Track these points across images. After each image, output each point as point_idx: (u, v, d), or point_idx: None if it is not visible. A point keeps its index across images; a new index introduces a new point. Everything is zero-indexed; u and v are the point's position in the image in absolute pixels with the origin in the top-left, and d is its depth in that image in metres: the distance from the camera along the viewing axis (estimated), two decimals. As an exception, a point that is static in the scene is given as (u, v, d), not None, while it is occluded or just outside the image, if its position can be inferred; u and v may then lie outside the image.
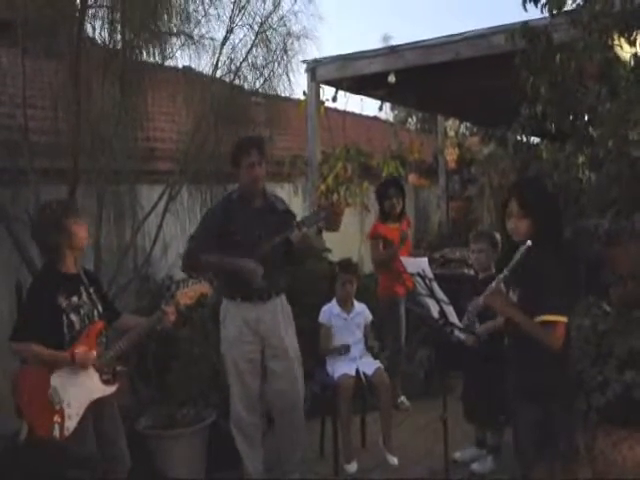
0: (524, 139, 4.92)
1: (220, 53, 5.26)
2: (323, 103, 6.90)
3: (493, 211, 9.02)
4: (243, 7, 5.26)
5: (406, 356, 5.96)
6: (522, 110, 4.38)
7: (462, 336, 4.00)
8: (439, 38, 6.16)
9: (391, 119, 15.99)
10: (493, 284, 3.15)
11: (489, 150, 9.69)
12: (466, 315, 3.44)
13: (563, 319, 2.97)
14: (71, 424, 3.20)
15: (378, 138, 8.54)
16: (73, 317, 3.29)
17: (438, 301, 3.61)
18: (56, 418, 3.17)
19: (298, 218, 4.13)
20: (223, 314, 4.10)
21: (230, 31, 5.27)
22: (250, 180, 4.01)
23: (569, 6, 4.14)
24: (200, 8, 4.97)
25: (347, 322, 4.80)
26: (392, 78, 6.34)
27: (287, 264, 4.08)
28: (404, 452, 4.68)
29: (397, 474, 4.47)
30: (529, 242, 3.04)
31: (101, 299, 3.48)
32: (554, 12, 4.10)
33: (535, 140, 5.58)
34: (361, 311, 4.89)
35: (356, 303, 4.90)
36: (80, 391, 3.25)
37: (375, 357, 4.96)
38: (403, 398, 5.75)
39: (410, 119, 18.25)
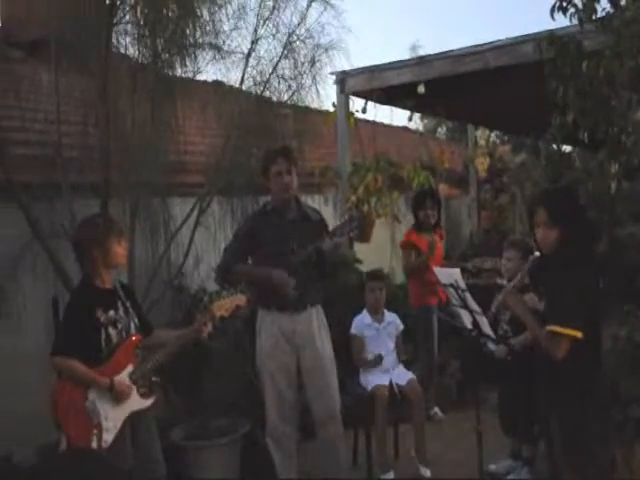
0: (556, 147, 4.88)
1: (246, 65, 5.30)
2: (353, 114, 6.91)
3: (525, 220, 8.94)
4: (267, 18, 5.30)
5: (439, 367, 5.92)
6: (553, 119, 4.35)
7: (493, 347, 3.99)
8: (467, 48, 6.15)
9: (421, 129, 15.99)
10: (510, 284, 3.18)
11: (521, 159, 9.62)
12: (489, 313, 3.43)
13: (570, 332, 2.91)
14: (109, 437, 3.23)
15: (408, 148, 8.53)
16: (111, 331, 3.34)
17: (471, 312, 3.59)
18: (94, 431, 3.22)
19: (329, 228, 4.14)
20: (259, 325, 4.12)
21: (255, 42, 5.30)
22: (279, 189, 4.03)
23: (598, 13, 4.10)
24: (227, 21, 5.02)
25: (379, 332, 4.80)
26: (422, 89, 6.33)
27: (320, 274, 4.08)
28: (437, 464, 4.66)
29: (431, 486, 4.45)
30: (537, 253, 3.05)
31: (137, 312, 3.53)
32: (583, 20, 4.06)
33: (567, 148, 5.53)
34: (392, 320, 4.89)
35: (387, 313, 4.90)
36: (117, 404, 3.29)
37: (407, 368, 4.94)
38: (436, 409, 5.72)
39: (439, 128, 18.24)
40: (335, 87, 6.84)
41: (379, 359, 4.69)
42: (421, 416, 4.68)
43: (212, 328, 3.51)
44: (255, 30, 5.27)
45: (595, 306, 3.08)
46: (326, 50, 5.46)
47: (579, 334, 2.91)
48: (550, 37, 4.34)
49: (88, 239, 3.36)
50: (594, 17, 4.08)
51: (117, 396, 3.27)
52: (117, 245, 3.41)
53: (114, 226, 3.49)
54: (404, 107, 7.78)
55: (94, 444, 3.19)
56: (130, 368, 3.35)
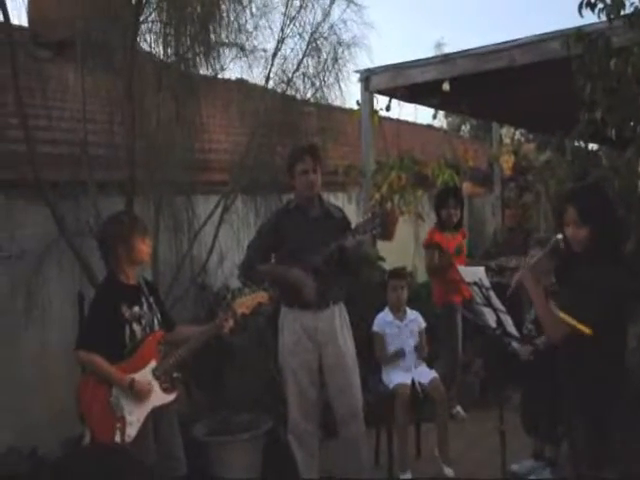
0: (582, 145, 4.83)
1: (272, 64, 5.32)
2: (377, 112, 6.90)
3: (550, 218, 8.87)
4: (293, 18, 5.30)
5: (462, 366, 5.90)
6: (580, 116, 4.31)
7: (517, 346, 3.95)
8: (493, 45, 6.10)
9: (445, 127, 15.91)
10: (531, 261, 3.23)
11: (546, 157, 9.53)
12: (508, 290, 3.41)
13: (581, 327, 2.89)
14: (132, 431, 3.27)
15: (432, 146, 8.49)
16: (135, 327, 3.38)
17: (495, 310, 3.57)
18: (117, 425, 3.25)
19: (352, 226, 4.14)
20: (281, 322, 4.13)
21: (281, 42, 5.31)
22: (304, 187, 4.03)
23: (627, 9, 4.05)
24: (251, 20, 5.03)
25: (401, 329, 4.79)
26: (446, 86, 6.30)
27: (343, 272, 4.08)
28: (460, 463, 4.64)
29: (453, 485, 4.43)
30: (559, 235, 3.04)
31: (159, 309, 3.56)
32: (612, 16, 4.01)
33: (593, 146, 5.47)
34: (414, 318, 4.87)
35: (409, 310, 4.89)
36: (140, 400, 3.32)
37: (430, 366, 4.92)
38: (459, 408, 5.69)
39: (464, 126, 18.14)
40: (359, 85, 6.83)
41: (401, 353, 4.68)
42: (444, 415, 4.66)
43: (234, 325, 3.54)
44: (282, 29, 5.29)
45: (621, 305, 3.04)
46: (348, 47, 5.45)
47: (588, 331, 2.88)
48: (578, 34, 4.30)
49: (113, 236, 3.40)
50: (623, 13, 4.03)
51: (136, 395, 3.29)
52: (141, 242, 3.44)
53: (139, 224, 3.52)
54: (428, 105, 7.75)
55: (117, 438, 3.23)
56: (153, 364, 3.38)
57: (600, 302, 2.92)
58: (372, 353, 4.77)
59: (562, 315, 2.95)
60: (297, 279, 3.88)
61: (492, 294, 3.53)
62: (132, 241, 3.40)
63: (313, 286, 3.88)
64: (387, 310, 4.86)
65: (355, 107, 6.86)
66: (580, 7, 4.08)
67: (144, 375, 3.34)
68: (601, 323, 2.90)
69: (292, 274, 3.89)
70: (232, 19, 4.81)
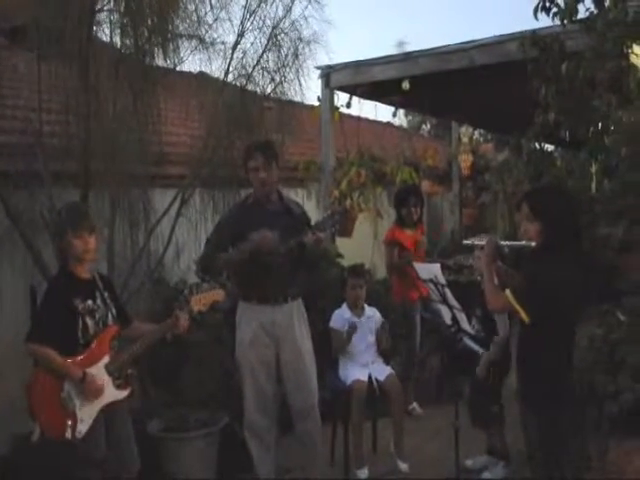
0: (538, 146, 4.91)
1: (231, 58, 5.28)
2: (337, 109, 6.91)
3: (507, 218, 9.00)
4: (254, 11, 5.27)
5: (418, 362, 5.95)
6: (536, 118, 4.38)
7: (475, 347, 4.00)
8: (453, 45, 6.16)
9: (405, 125, 16.01)
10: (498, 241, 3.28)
11: (503, 157, 9.67)
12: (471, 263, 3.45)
13: (520, 312, 2.99)
14: (83, 427, 3.21)
15: (392, 144, 8.53)
16: (88, 321, 3.31)
17: (451, 307, 3.61)
18: (68, 421, 3.19)
19: (312, 222, 4.13)
20: (239, 317, 4.10)
21: (241, 35, 5.27)
22: (256, 184, 4.02)
23: (581, 14, 4.13)
24: (210, 12, 4.99)
25: (358, 326, 4.79)
26: (406, 85, 6.34)
27: (301, 268, 4.07)
28: (415, 458, 4.67)
29: (408, 480, 4.46)
30: (533, 243, 3.11)
31: (115, 304, 3.50)
32: (565, 21, 4.09)
33: (549, 147, 5.57)
34: (372, 315, 4.89)
35: (367, 307, 4.90)
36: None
37: (387, 362, 4.95)
38: (415, 404, 5.74)
39: (424, 125, 18.27)
40: (320, 81, 6.83)
41: (353, 326, 4.67)
42: (400, 411, 4.69)
43: (189, 322, 3.50)
44: (241, 23, 5.25)
45: (567, 303, 3.09)
46: (309, 43, 5.44)
47: (526, 317, 2.99)
48: (533, 37, 4.37)
49: (55, 231, 3.37)
50: (577, 17, 4.11)
51: (88, 391, 3.24)
52: (76, 239, 3.31)
53: (71, 220, 3.37)
54: (389, 103, 7.79)
55: (68, 434, 3.17)
56: (106, 359, 3.33)
57: (541, 298, 2.99)
58: (329, 349, 4.77)
59: (507, 293, 3.04)
60: (258, 239, 3.81)
61: (448, 291, 3.57)
62: (67, 238, 3.31)
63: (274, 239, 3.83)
64: (345, 307, 4.87)
65: (315, 103, 6.87)
66: (535, 11, 4.15)
67: (97, 371, 3.29)
68: (543, 319, 2.97)
69: (250, 239, 3.81)
70: (192, 10, 4.76)
